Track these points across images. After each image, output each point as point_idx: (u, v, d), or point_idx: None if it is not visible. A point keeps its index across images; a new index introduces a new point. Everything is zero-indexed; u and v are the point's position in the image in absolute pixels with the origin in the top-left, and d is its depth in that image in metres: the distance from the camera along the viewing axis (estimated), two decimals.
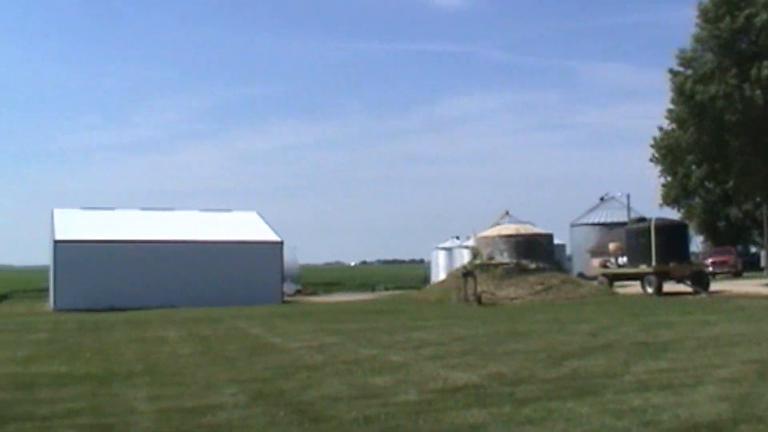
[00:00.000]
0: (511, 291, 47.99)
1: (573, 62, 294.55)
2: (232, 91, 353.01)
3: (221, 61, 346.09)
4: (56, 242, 60.71)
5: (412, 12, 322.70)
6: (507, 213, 62.06)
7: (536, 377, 15.69)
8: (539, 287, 48.22)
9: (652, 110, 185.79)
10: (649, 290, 48.08)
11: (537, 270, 50.63)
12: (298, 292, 75.55)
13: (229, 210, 73.03)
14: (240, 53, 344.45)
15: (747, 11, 54.62)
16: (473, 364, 17.84)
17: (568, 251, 77.84)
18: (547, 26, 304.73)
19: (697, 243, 74.34)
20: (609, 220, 77.07)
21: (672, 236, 51.31)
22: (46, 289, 68.58)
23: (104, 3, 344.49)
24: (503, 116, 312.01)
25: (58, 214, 65.51)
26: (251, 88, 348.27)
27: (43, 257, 73.29)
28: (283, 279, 65.57)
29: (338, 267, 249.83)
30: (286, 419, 12.07)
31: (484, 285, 47.51)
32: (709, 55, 56.23)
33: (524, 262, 51.11)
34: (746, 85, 53.68)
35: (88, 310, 50.94)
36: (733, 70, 54.44)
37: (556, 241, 62.77)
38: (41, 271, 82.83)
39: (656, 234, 49.62)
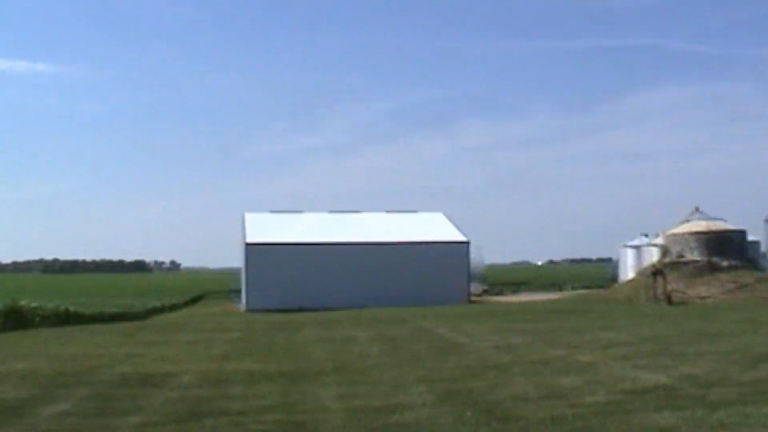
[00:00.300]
0: (702, 290, 46.60)
1: (766, 50, 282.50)
2: (417, 93, 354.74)
3: (405, 63, 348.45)
4: (247, 245, 62.49)
5: (596, 7, 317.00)
6: (697, 209, 60.15)
7: (730, 380, 15.17)
8: (732, 286, 46.64)
9: None
10: None
11: (729, 268, 49.00)
12: (484, 291, 75.39)
13: (415, 211, 73.49)
14: (423, 55, 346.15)
15: None
16: (664, 365, 17.39)
17: (763, 248, 74.75)
18: (737, 13, 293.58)
19: None
20: None
21: None
22: (238, 290, 70.64)
23: (289, 12, 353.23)
24: (692, 109, 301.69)
25: (249, 218, 67.46)
26: (436, 89, 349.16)
27: (236, 259, 75.67)
28: (469, 279, 65.56)
29: (525, 266, 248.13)
30: (473, 419, 12.06)
31: (674, 284, 46.30)
32: None
33: (716, 259, 49.56)
34: None
35: (278, 311, 52.21)
36: None
37: (750, 237, 60.43)
38: (234, 273, 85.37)
39: None
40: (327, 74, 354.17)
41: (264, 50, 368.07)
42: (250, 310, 57.97)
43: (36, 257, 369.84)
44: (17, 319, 38.52)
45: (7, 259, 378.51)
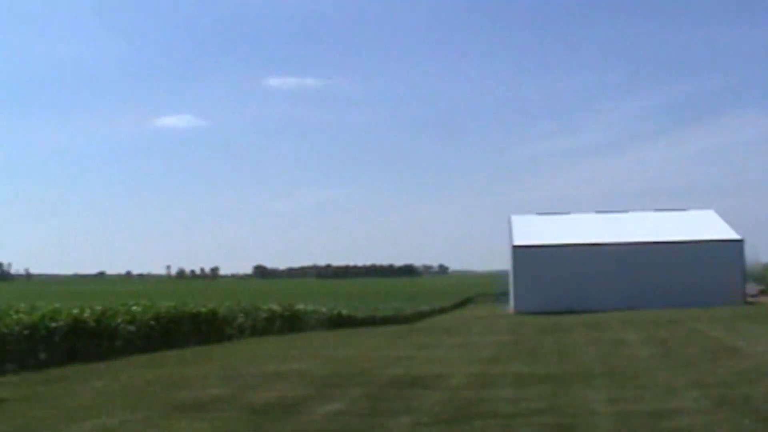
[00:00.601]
0: None
1: None
2: (682, 87, 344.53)
3: (669, 57, 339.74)
4: (515, 247, 62.61)
5: None
6: None
7: None
8: None
9: None
10: None
11: None
12: (761, 292, 72.14)
13: (684, 209, 71.24)
14: (687, 47, 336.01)
15: None
16: None
17: None
18: None
19: None
20: None
21: None
22: (505, 293, 70.91)
23: (551, 13, 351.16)
24: None
25: (516, 220, 67.53)
26: (702, 82, 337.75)
27: (503, 262, 75.99)
28: (744, 279, 62.95)
29: None
30: (751, 427, 11.51)
31: None
32: None
33: None
34: None
35: (546, 313, 51.91)
36: None
37: None
38: (501, 275, 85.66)
39: None
40: (589, 73, 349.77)
41: (528, 51, 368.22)
42: (518, 312, 58.11)
43: (310, 263, 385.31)
44: (294, 322, 40.22)
45: (283, 266, 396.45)
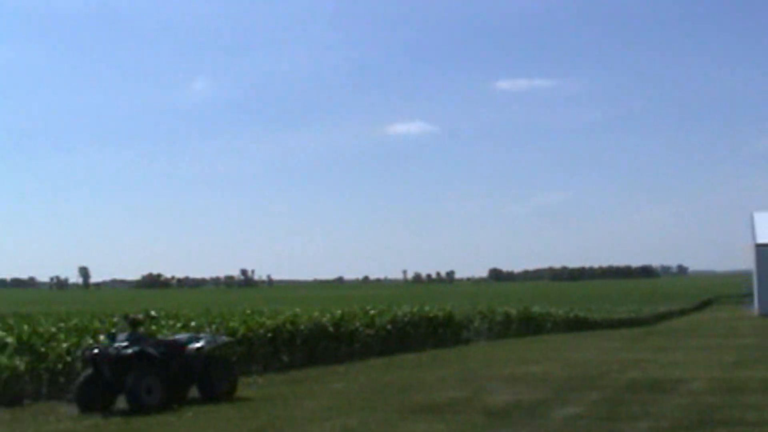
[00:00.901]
0: None
1: None
2: None
3: None
4: (758, 246, 60.14)
5: None
6: None
7: None
8: None
9: None
10: None
11: None
12: None
13: None
14: None
15: None
16: None
17: None
18: None
19: None
20: None
21: None
22: (748, 294, 68.28)
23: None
24: None
25: (758, 217, 64.82)
26: None
27: (745, 262, 73.14)
28: None
29: None
30: None
31: None
32: None
33: None
34: None
35: None
36: None
37: None
38: (744, 276, 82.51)
39: None
40: None
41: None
42: (763, 314, 55.77)
43: (545, 266, 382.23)
44: (529, 325, 40.07)
45: (518, 269, 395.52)
